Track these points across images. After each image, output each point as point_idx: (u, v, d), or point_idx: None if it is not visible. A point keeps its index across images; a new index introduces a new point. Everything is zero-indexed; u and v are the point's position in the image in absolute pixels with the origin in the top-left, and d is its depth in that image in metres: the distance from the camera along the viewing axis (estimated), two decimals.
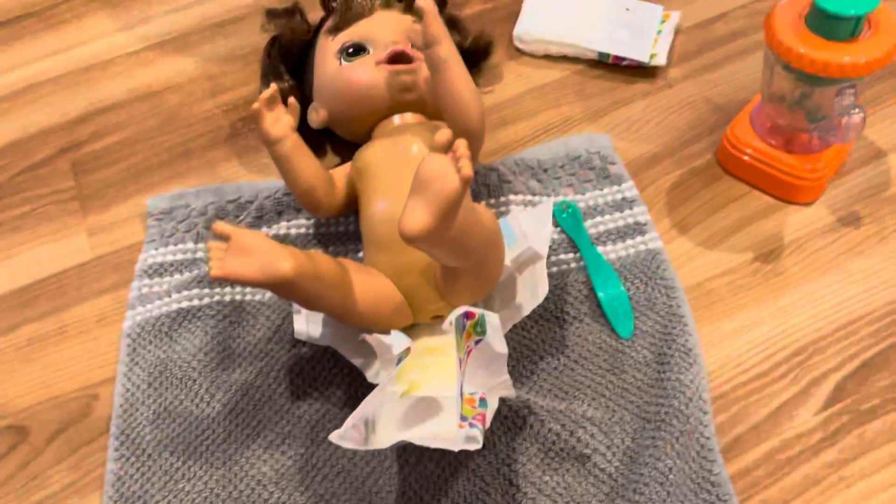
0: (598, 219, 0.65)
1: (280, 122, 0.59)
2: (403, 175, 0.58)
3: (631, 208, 0.65)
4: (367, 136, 0.65)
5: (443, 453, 0.54)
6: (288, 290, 0.50)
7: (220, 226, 0.50)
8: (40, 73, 0.83)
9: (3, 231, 0.71)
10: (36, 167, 0.75)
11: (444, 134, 0.46)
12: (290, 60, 0.71)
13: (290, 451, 0.55)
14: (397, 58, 0.63)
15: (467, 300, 0.56)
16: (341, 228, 0.67)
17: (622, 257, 0.62)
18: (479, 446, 0.45)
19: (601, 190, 0.67)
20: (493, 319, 0.49)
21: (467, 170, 0.44)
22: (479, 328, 0.48)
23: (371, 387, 0.55)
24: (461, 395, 0.47)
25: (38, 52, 0.84)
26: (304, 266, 0.49)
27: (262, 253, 0.49)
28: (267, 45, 0.73)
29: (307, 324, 0.57)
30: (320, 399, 0.58)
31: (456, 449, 0.45)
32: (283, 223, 0.67)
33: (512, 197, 0.66)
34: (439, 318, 0.57)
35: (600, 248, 0.63)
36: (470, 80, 0.57)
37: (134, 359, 0.60)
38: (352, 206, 0.63)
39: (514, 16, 0.81)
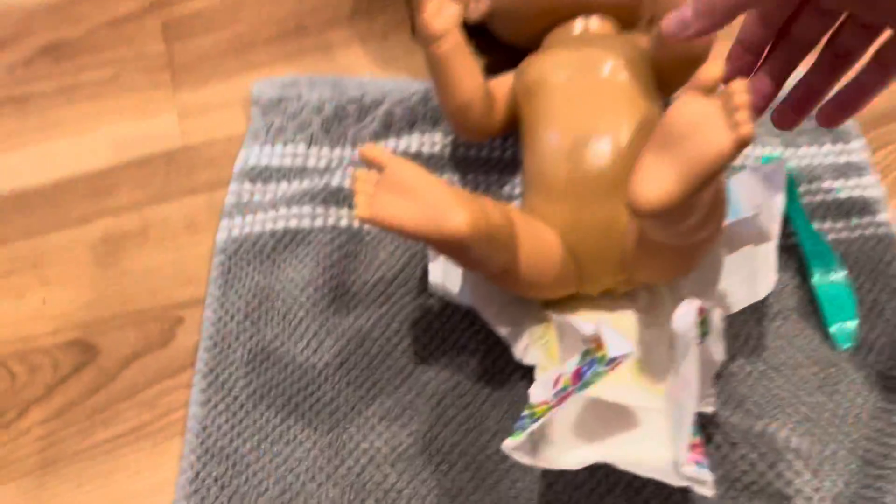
0: (814, 185, 0.51)
1: (444, 13, 0.45)
2: (588, 101, 0.45)
3: (859, 176, 0.51)
4: (535, 42, 0.51)
5: None
6: (452, 250, 0.39)
7: (372, 150, 0.38)
8: None
9: (79, 97, 0.59)
10: (120, 23, 0.63)
11: (714, 68, 0.33)
12: None
13: (412, 426, 0.46)
14: None
15: (657, 279, 0.44)
16: (483, 153, 0.54)
17: (842, 241, 0.49)
18: (710, 493, 0.35)
19: (819, 147, 0.53)
20: (716, 318, 0.37)
21: (747, 127, 0.31)
22: (704, 328, 0.37)
23: (518, 365, 0.45)
24: (692, 416, 0.35)
25: None
26: (479, 221, 0.37)
27: (427, 196, 0.37)
28: None
29: (444, 275, 0.46)
30: (450, 367, 0.47)
31: (675, 484, 0.35)
32: (416, 137, 0.55)
33: None
34: (609, 294, 0.46)
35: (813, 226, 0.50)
36: None
37: (228, 281, 0.50)
38: (509, 130, 0.51)
39: None
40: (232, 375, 0.47)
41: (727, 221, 0.43)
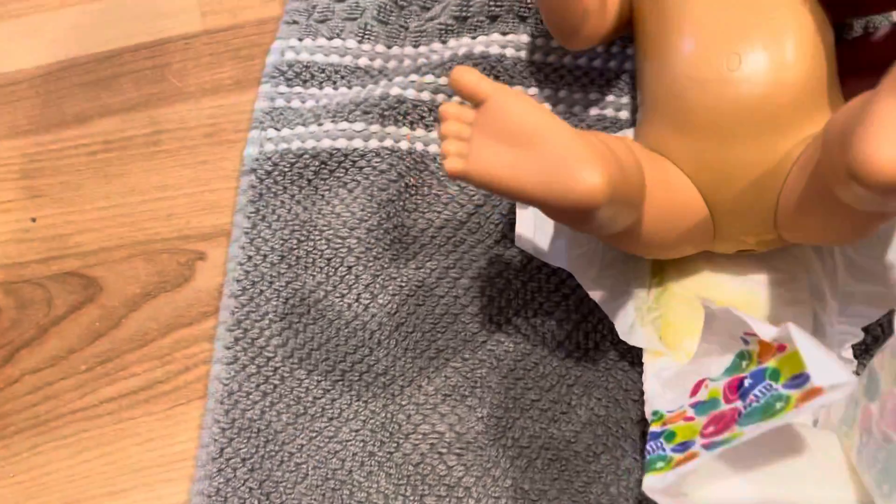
0: None
1: None
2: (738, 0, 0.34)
3: None
4: None
5: None
6: (573, 217, 0.29)
7: (467, 76, 0.28)
8: None
9: None
10: None
11: None
12: None
13: (482, 408, 0.37)
14: None
15: (816, 242, 0.35)
16: (581, 61, 0.43)
17: None
18: None
19: None
20: None
21: None
22: None
23: (616, 339, 0.36)
24: None
25: None
26: (615, 179, 0.27)
27: (546, 145, 0.27)
28: None
29: (534, 228, 0.36)
30: (532, 338, 0.38)
31: None
32: (496, 36, 0.43)
33: None
34: (747, 253, 0.36)
35: None
36: None
37: (260, 210, 0.41)
38: (620, 34, 0.39)
39: None
40: (264, 331, 0.38)
41: None
